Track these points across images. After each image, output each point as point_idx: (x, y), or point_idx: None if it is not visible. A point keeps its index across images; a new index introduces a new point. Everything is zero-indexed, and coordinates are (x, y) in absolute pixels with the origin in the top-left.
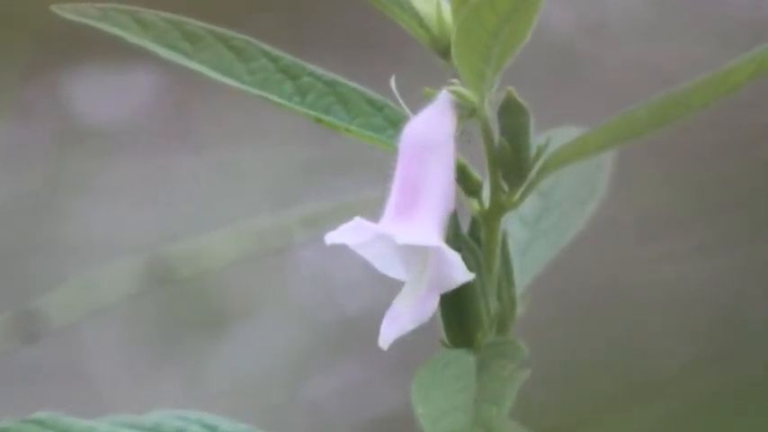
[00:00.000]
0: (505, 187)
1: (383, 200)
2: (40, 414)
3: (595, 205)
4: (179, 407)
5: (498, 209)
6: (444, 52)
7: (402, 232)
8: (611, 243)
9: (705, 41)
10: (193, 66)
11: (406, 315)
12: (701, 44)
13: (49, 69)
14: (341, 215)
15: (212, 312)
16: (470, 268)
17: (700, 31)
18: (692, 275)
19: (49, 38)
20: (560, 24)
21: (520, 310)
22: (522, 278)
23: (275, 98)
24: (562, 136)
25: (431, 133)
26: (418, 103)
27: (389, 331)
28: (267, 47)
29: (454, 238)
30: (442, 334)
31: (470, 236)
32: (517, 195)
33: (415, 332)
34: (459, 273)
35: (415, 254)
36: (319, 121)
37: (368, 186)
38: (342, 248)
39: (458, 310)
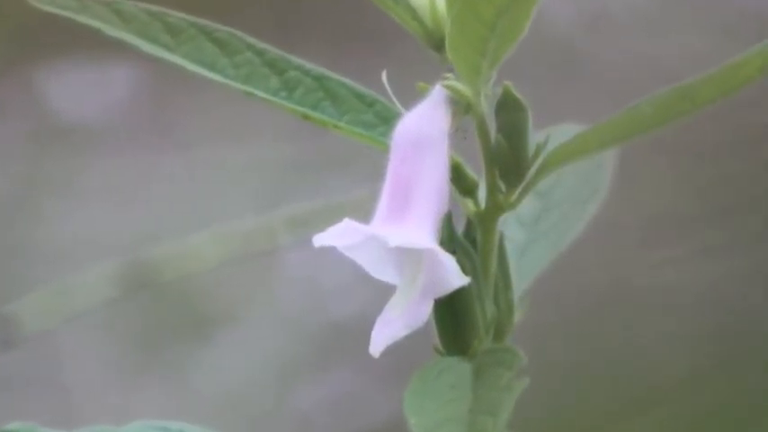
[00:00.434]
0: (502, 187)
1: (374, 200)
2: (15, 425)
3: (596, 206)
4: (161, 417)
5: (495, 209)
6: (438, 45)
7: (394, 234)
8: (612, 245)
9: (709, 35)
10: (175, 60)
11: (399, 321)
12: (704, 38)
13: (25, 64)
14: (330, 216)
15: (196, 318)
16: (465, 272)
17: (703, 24)
18: (696, 279)
19: (25, 31)
20: (560, 17)
21: (517, 315)
22: (520, 282)
23: (261, 93)
24: (562, 133)
25: (424, 130)
26: (411, 98)
27: (381, 338)
28: (252, 39)
29: (449, 240)
30: (436, 341)
31: (466, 238)
32: (515, 195)
33: (407, 339)
34: (453, 276)
35: (407, 257)
36: (307, 117)
37: (358, 186)
38: (331, 251)
39: (453, 316)
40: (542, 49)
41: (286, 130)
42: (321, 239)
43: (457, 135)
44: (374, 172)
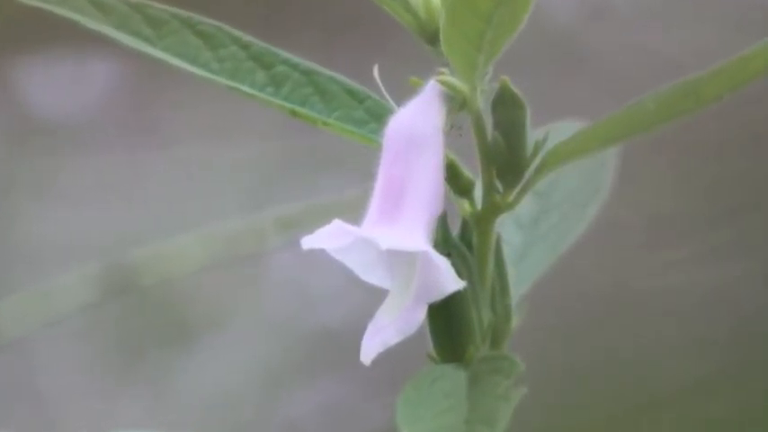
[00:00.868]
0: (499, 187)
1: (365, 200)
2: None
3: (598, 207)
4: (142, 426)
5: (492, 210)
6: (432, 38)
7: (386, 236)
8: (614, 248)
9: (715, 27)
10: (157, 53)
11: (391, 327)
12: (710, 31)
13: (0, 59)
14: (319, 217)
15: (180, 323)
16: (461, 276)
17: (710, 15)
18: (700, 282)
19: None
20: (560, 9)
21: (515, 321)
22: (518, 286)
23: (246, 89)
24: (562, 131)
25: (417, 127)
26: (403, 94)
27: (372, 345)
28: (238, 32)
29: (443, 242)
30: (430, 347)
31: (461, 240)
32: (512, 196)
33: (400, 345)
34: (448, 281)
35: (400, 260)
36: (295, 114)
37: (349, 185)
38: (320, 254)
39: (447, 322)
40: (541, 43)
41: (272, 128)
42: (310, 242)
43: (452, 132)
44: (366, 171)
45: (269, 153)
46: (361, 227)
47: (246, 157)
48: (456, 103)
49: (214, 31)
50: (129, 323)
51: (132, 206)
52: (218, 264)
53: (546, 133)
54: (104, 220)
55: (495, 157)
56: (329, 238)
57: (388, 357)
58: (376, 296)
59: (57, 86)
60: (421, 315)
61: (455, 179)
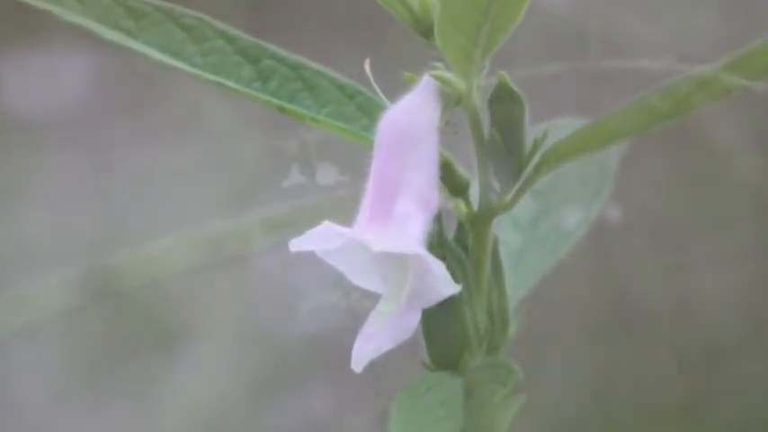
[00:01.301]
0: (497, 186)
1: (357, 201)
2: None
3: (599, 208)
4: None
5: (488, 211)
6: (427, 32)
7: (378, 238)
8: (616, 251)
9: (725, 17)
10: (138, 47)
11: (383, 333)
12: (720, 20)
13: None
14: (308, 218)
15: (160, 330)
16: (456, 279)
17: (720, 5)
18: (708, 288)
19: None
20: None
21: (513, 327)
22: (516, 291)
23: (232, 84)
24: (561, 128)
25: (411, 124)
26: (397, 89)
27: (364, 352)
28: (223, 25)
29: (438, 244)
30: (425, 354)
31: (457, 242)
32: (510, 196)
33: (392, 352)
34: (443, 284)
35: (393, 263)
36: (283, 110)
37: (340, 185)
38: (308, 256)
39: (442, 328)
40: (540, 36)
41: (259, 125)
42: (299, 244)
43: (447, 130)
44: (357, 170)
45: (253, 151)
46: (353, 228)
47: (230, 156)
48: (451, 99)
49: (198, 24)
50: (109, 330)
51: (111, 207)
52: (202, 267)
53: (545, 131)
54: (82, 222)
55: (492, 155)
56: (318, 240)
57: (379, 365)
58: (367, 301)
59: (32, 83)
60: (414, 320)
61: (450, 178)
